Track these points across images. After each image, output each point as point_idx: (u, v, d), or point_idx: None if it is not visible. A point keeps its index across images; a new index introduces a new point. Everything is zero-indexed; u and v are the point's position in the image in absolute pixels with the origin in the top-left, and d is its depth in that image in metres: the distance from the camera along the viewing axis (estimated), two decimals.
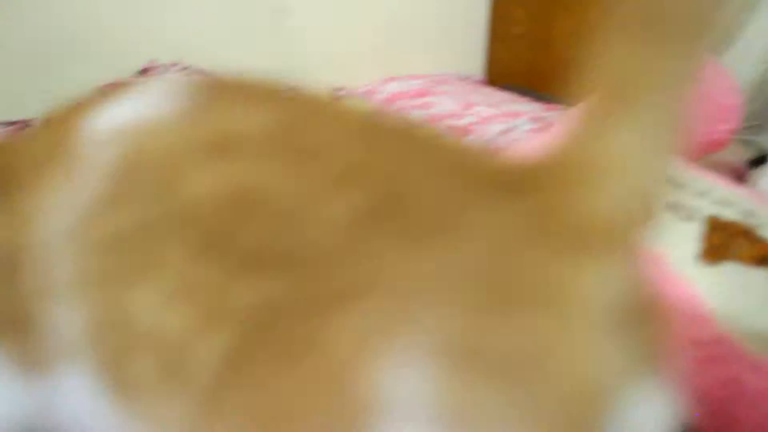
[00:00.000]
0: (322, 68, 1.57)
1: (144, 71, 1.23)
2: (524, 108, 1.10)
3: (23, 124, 1.04)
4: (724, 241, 0.46)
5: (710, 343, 0.40)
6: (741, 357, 0.40)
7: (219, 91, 0.30)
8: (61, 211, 0.27)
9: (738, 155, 0.94)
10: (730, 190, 0.52)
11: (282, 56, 1.50)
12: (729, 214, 0.48)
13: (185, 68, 1.25)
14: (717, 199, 0.50)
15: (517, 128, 1.02)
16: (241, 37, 1.44)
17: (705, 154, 0.66)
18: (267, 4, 1.47)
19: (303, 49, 1.53)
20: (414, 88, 1.32)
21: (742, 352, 0.40)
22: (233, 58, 1.44)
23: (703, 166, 0.65)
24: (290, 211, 0.23)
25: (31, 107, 1.38)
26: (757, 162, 0.90)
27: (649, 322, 0.24)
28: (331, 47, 1.56)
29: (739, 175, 0.93)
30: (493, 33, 1.67)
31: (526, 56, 1.59)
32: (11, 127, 1.06)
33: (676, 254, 0.45)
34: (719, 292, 0.43)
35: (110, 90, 0.32)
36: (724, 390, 0.40)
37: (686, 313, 0.42)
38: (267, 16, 1.47)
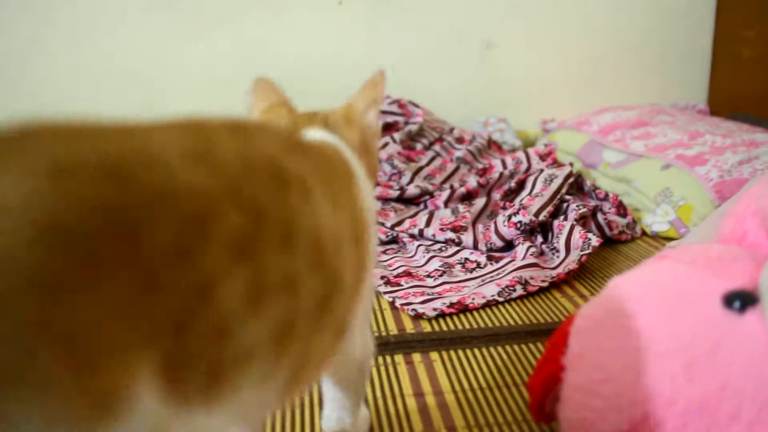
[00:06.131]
0: (530, 99, 1.57)
1: None
2: (762, 138, 1.02)
3: None
4: None
5: None
6: None
7: None
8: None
9: None
10: None
11: (490, 87, 1.52)
12: None
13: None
14: None
15: (758, 158, 0.94)
16: (451, 67, 1.48)
17: None
18: (476, 38, 1.50)
19: (510, 81, 1.54)
20: (630, 119, 1.27)
21: None
22: (442, 85, 1.48)
23: None
24: None
25: None
26: None
27: None
28: (538, 79, 1.56)
29: None
30: (718, 58, 1.56)
31: (757, 82, 1.47)
32: None
33: None
34: None
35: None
36: None
37: None
38: (476, 49, 1.51)
